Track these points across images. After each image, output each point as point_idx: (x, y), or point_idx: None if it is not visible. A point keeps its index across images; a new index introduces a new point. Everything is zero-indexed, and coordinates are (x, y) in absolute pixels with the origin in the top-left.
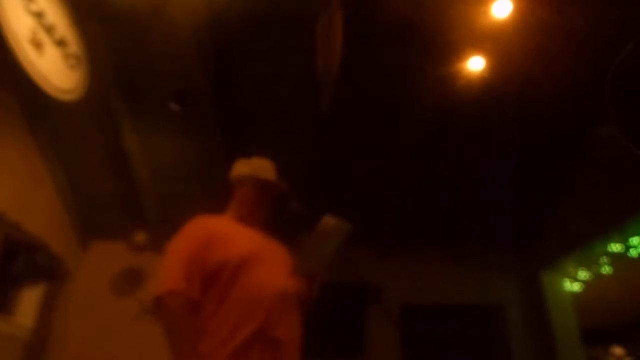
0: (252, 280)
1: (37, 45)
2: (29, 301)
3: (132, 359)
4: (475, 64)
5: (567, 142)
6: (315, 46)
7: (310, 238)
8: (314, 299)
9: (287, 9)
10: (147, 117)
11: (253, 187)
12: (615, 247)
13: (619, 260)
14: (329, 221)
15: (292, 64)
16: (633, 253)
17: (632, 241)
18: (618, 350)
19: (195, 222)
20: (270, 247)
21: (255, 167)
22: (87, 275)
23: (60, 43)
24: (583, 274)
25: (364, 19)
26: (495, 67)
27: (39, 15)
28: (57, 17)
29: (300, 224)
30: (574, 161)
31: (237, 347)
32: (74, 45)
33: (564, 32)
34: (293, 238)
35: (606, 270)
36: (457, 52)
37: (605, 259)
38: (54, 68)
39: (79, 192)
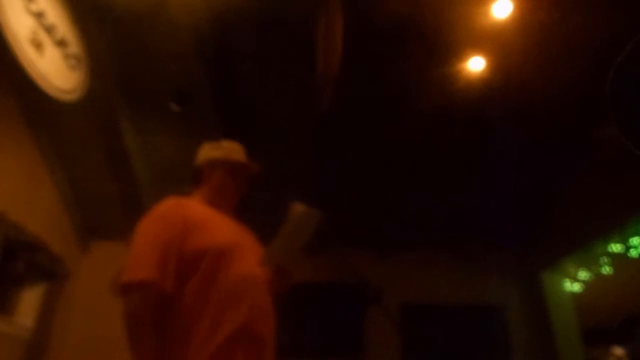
0: (234, 273)
1: (37, 45)
2: (29, 301)
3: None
4: (475, 64)
5: (567, 142)
6: (315, 46)
7: (282, 228)
8: (285, 294)
9: (287, 9)
10: (147, 117)
11: (225, 170)
12: (615, 247)
13: (619, 260)
14: (298, 209)
15: (292, 63)
16: (633, 253)
17: (632, 241)
18: (618, 350)
19: (168, 203)
20: (246, 236)
21: (226, 149)
22: (87, 275)
23: (60, 43)
24: (583, 274)
25: (363, 18)
26: (495, 67)
27: (39, 15)
28: (57, 17)
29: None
30: (574, 161)
31: (220, 346)
32: (74, 45)
33: (564, 32)
34: (261, 226)
35: (606, 270)
36: (457, 52)
37: (605, 259)
38: (54, 68)
39: (79, 192)
